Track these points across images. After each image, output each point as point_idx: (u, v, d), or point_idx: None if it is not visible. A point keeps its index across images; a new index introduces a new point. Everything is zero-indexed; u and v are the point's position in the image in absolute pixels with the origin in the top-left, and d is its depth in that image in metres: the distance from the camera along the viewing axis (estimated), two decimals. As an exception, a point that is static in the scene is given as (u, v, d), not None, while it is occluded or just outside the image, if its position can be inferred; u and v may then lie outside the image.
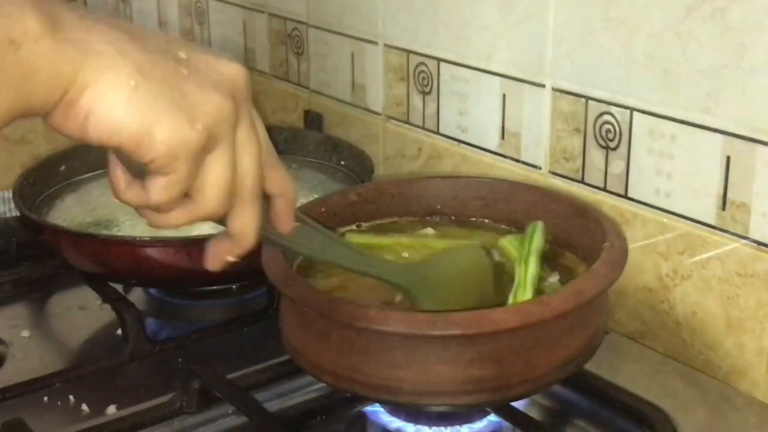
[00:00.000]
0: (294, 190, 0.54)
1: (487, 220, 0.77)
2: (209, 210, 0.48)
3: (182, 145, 0.45)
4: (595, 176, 0.82)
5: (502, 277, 0.69)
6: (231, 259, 0.52)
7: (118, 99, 0.44)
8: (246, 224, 0.51)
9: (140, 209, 0.50)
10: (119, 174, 0.48)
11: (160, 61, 0.46)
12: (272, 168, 0.52)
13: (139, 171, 0.47)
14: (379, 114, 1.05)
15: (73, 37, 0.44)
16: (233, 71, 0.49)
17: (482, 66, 0.91)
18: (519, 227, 0.74)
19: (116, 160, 0.48)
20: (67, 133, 0.45)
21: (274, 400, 0.71)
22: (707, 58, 0.72)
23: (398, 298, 0.66)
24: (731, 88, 0.71)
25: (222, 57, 0.49)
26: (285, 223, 0.54)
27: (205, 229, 0.83)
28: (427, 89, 0.97)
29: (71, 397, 0.72)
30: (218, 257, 0.52)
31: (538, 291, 0.66)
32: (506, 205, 0.76)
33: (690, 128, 0.74)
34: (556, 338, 0.60)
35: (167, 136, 0.45)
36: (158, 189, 0.47)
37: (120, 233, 0.84)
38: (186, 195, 0.48)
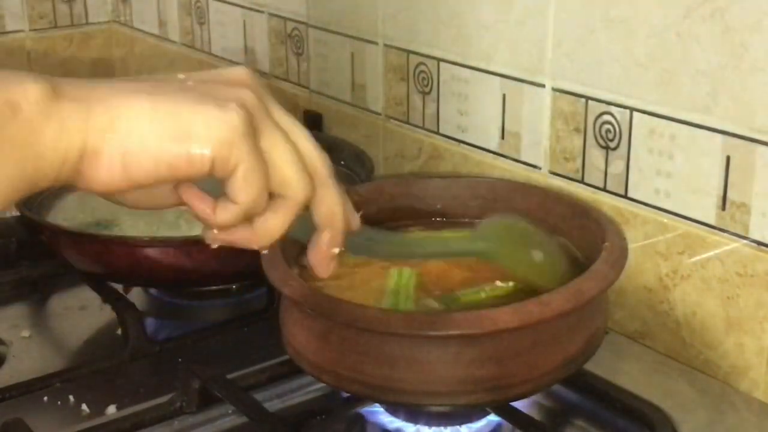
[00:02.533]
0: (342, 213, 0.50)
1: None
2: (302, 193, 0.46)
3: (228, 129, 0.43)
4: (595, 176, 0.82)
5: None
6: (336, 251, 0.50)
7: (143, 127, 0.42)
8: (332, 204, 0.48)
9: (241, 236, 0.47)
10: (199, 204, 0.46)
11: (165, 82, 0.44)
12: (324, 184, 0.49)
13: (216, 192, 0.45)
14: (379, 114, 1.05)
15: (73, 95, 0.42)
16: (238, 71, 0.47)
17: (482, 66, 0.91)
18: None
19: (189, 192, 0.46)
20: (114, 188, 0.43)
21: (274, 400, 0.72)
22: (707, 58, 0.72)
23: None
24: (731, 88, 0.71)
25: (222, 68, 0.48)
26: (350, 223, 0.51)
27: (205, 229, 0.84)
28: (427, 89, 0.97)
29: (71, 397, 0.72)
30: (324, 258, 0.50)
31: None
32: (506, 205, 0.76)
33: (690, 128, 0.74)
34: (556, 338, 0.60)
35: (208, 129, 0.42)
36: (240, 189, 0.44)
37: (120, 233, 0.84)
38: (271, 197, 0.45)
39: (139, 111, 0.42)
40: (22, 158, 0.40)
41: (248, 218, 0.46)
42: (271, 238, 0.47)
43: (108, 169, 0.42)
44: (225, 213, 0.45)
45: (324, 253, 0.50)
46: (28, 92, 0.40)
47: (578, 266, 0.68)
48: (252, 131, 0.44)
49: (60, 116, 0.41)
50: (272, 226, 0.47)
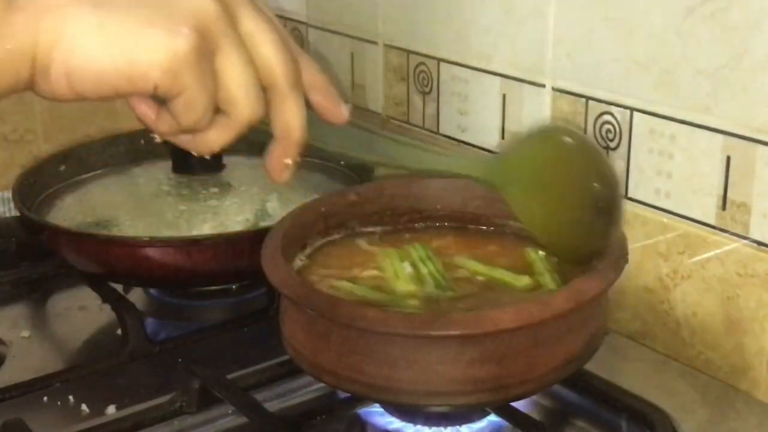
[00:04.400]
0: (324, 75, 0.49)
1: (492, 228, 0.76)
2: (246, 115, 0.45)
3: (174, 59, 0.42)
4: (595, 176, 0.82)
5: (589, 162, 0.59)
6: (290, 161, 0.49)
7: (87, 45, 0.41)
8: (289, 118, 0.47)
9: (182, 140, 0.47)
10: (144, 108, 0.46)
11: None
12: (298, 53, 0.47)
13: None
14: (379, 114, 1.05)
15: (23, 4, 0.41)
16: None
17: (482, 66, 0.91)
18: (519, 227, 0.74)
19: (134, 97, 0.45)
20: (64, 99, 0.43)
21: (274, 400, 0.71)
22: (707, 58, 0.72)
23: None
24: (731, 88, 0.71)
25: None
26: (337, 112, 0.50)
27: (205, 229, 0.84)
28: (427, 89, 0.97)
29: (71, 397, 0.72)
30: (278, 167, 0.49)
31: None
32: (506, 205, 0.76)
33: (690, 128, 0.74)
34: (556, 338, 0.60)
35: (152, 56, 0.41)
36: (181, 113, 0.44)
37: (120, 233, 0.84)
38: (218, 111, 0.45)
39: (86, 28, 0.41)
40: None
41: (190, 132, 0.46)
42: (210, 150, 0.47)
43: (56, 83, 0.42)
44: (164, 125, 0.45)
45: (277, 162, 0.49)
46: None
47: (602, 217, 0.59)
48: (205, 56, 0.43)
49: (12, 29, 0.41)
50: (212, 140, 0.47)
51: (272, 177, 0.50)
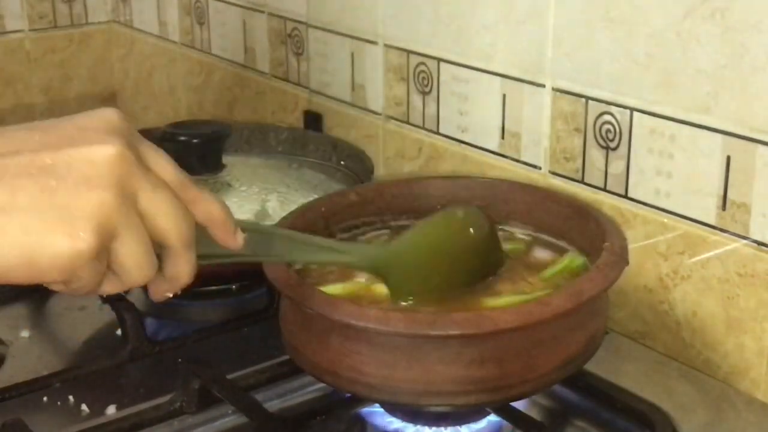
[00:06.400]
0: (221, 209, 0.51)
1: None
2: (137, 282, 0.48)
3: (73, 261, 0.44)
4: (595, 176, 0.82)
5: (490, 241, 0.67)
6: (170, 295, 0.52)
7: None
8: (179, 270, 0.50)
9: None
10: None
11: (23, 182, 0.44)
12: (194, 200, 0.50)
13: None
14: (379, 114, 1.05)
15: None
16: (107, 114, 0.47)
17: (482, 66, 0.91)
18: (519, 227, 0.75)
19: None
20: None
21: (274, 400, 0.71)
22: (707, 58, 0.72)
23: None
24: (731, 88, 0.71)
25: (86, 118, 0.47)
26: (231, 241, 0.53)
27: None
28: (427, 89, 0.97)
29: (71, 398, 0.72)
30: (158, 294, 0.52)
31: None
32: (506, 205, 0.76)
33: (690, 128, 0.74)
34: (556, 338, 0.60)
35: (53, 261, 0.43)
36: (76, 293, 0.47)
37: (120, 233, 0.84)
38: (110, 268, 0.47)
39: None
40: None
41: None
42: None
43: None
44: (112, 287, 0.48)
45: (160, 294, 0.52)
46: None
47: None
48: (100, 252, 0.45)
49: None
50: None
51: (150, 295, 0.52)
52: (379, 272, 0.64)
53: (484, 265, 0.67)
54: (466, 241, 0.66)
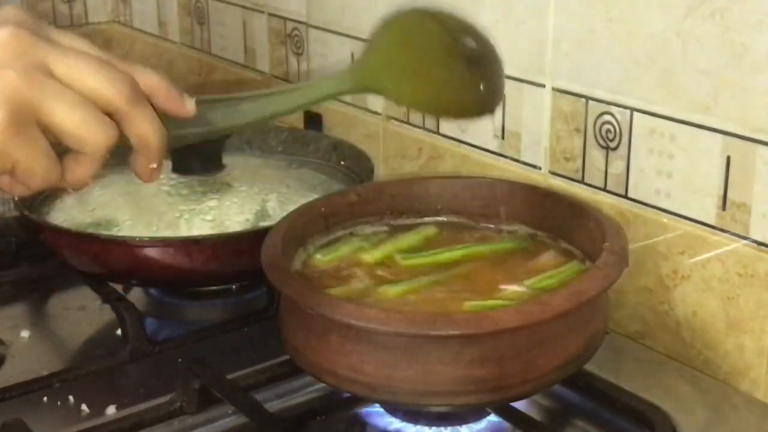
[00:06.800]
0: (160, 77, 0.50)
1: (492, 225, 0.76)
2: (99, 146, 0.46)
3: None
4: (595, 176, 0.82)
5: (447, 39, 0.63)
6: (155, 166, 0.50)
7: None
8: (141, 132, 0.48)
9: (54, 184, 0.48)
10: None
11: None
12: (127, 72, 0.48)
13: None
14: (379, 114, 1.05)
15: None
16: (4, 12, 0.46)
17: (482, 66, 0.91)
18: (519, 227, 0.75)
19: None
20: None
21: (274, 400, 0.71)
22: (707, 58, 0.72)
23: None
24: (731, 88, 0.71)
25: None
26: (181, 108, 0.51)
27: (205, 229, 0.84)
28: (427, 89, 0.97)
29: (71, 398, 0.72)
30: (145, 172, 0.50)
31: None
32: (506, 205, 0.76)
33: (690, 128, 0.74)
34: (556, 338, 0.60)
35: None
36: (25, 180, 0.46)
37: (120, 233, 0.84)
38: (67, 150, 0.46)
39: None
40: None
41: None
42: (84, 184, 0.49)
43: None
44: (20, 190, 0.47)
45: (143, 169, 0.50)
46: None
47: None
48: (20, 126, 0.44)
49: None
50: (80, 176, 0.48)
51: (141, 180, 0.51)
52: (360, 89, 0.62)
53: (470, 61, 0.63)
54: (430, 26, 0.62)
